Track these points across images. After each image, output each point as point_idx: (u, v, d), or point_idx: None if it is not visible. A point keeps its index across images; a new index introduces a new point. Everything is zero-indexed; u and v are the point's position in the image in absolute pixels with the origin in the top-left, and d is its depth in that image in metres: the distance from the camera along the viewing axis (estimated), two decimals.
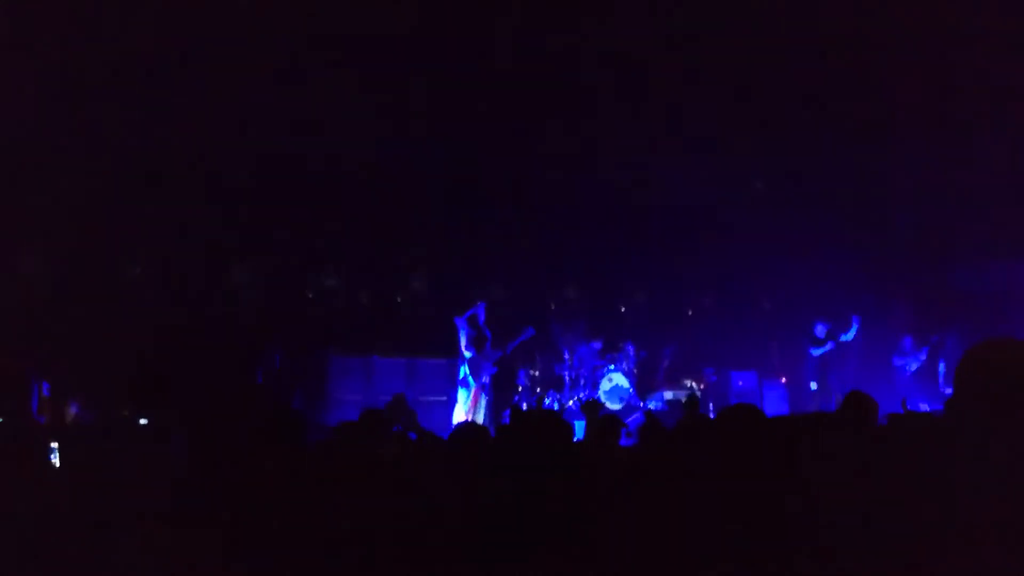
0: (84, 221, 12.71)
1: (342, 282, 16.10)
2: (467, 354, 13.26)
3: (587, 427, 8.58)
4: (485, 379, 13.27)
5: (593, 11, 11.93)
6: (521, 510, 3.02)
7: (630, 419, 12.90)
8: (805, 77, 13.39)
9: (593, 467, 4.03)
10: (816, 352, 15.03)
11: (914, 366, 15.04)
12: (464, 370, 13.26)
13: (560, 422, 4.02)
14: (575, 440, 7.63)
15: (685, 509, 2.49)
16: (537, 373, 15.30)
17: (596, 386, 15.03)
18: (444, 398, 13.82)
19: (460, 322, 13.31)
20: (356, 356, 14.25)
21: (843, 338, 15.02)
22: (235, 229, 14.23)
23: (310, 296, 15.99)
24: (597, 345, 15.34)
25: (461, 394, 13.23)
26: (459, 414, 12.96)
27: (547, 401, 14.88)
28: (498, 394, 13.78)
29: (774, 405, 15.27)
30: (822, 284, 15.62)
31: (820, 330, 15.10)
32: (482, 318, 13.45)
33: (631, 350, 15.55)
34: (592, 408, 9.50)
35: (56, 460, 4.21)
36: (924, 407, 13.93)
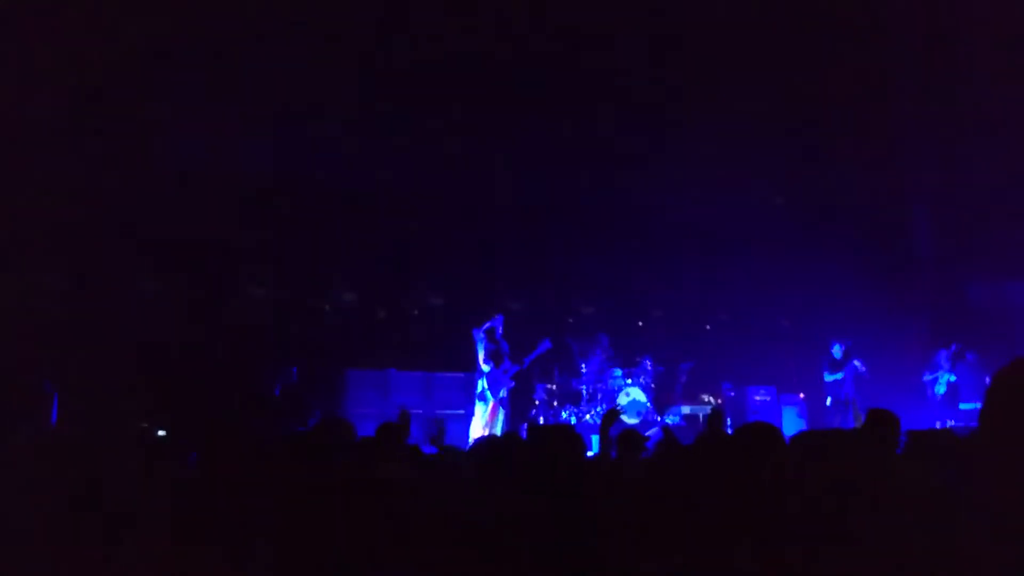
0: (97, 229, 12.79)
1: (359, 296, 16.14)
2: (485, 368, 13.23)
3: (600, 439, 8.53)
4: (503, 393, 13.23)
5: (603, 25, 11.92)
6: (532, 526, 3.01)
7: (648, 434, 12.85)
8: (823, 90, 13.33)
9: (606, 482, 4.01)
10: (829, 378, 14.91)
11: (944, 381, 14.88)
12: (482, 384, 13.22)
13: (574, 436, 4.01)
14: (589, 454, 7.66)
15: (698, 526, 2.47)
16: (555, 387, 15.28)
17: (614, 401, 14.99)
18: (461, 412, 13.80)
19: (478, 334, 13.27)
20: (373, 370, 14.25)
21: (856, 365, 14.87)
22: (251, 242, 14.28)
23: (327, 309, 16.04)
24: (600, 358, 15.32)
25: (479, 408, 13.20)
26: (476, 428, 12.92)
27: (564, 415, 14.87)
28: (515, 408, 13.75)
29: (792, 421, 15.21)
30: (840, 300, 15.58)
31: (838, 350, 14.98)
32: (499, 331, 13.41)
33: (648, 364, 15.52)
34: (610, 417, 9.46)
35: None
36: (950, 423, 13.86)
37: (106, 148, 12.32)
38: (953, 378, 14.84)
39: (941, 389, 14.81)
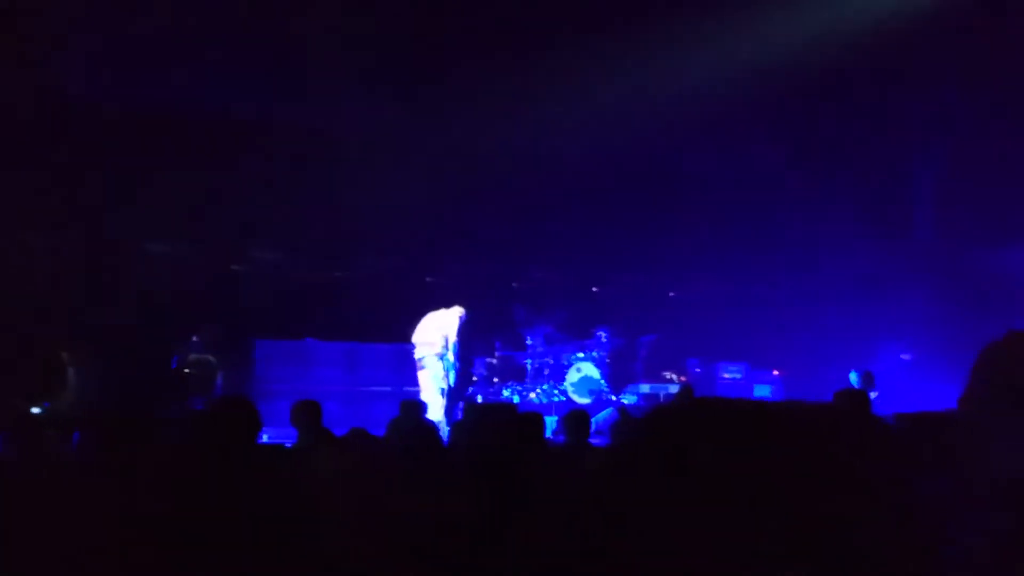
0: None
1: (275, 256, 15.95)
2: (451, 359, 13.40)
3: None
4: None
5: None
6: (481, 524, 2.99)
7: (599, 417, 12.94)
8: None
9: (557, 474, 4.00)
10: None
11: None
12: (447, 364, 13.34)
13: (525, 418, 3.99)
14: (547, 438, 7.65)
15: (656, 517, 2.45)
16: (496, 361, 15.26)
17: (563, 376, 15.03)
18: (388, 389, 13.76)
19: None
20: (287, 340, 14.12)
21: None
22: (147, 194, 14.00)
23: (237, 271, 15.81)
24: (549, 329, 15.34)
25: (434, 382, 13.23)
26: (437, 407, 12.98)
27: (506, 394, 14.87)
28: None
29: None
30: (824, 266, 15.63)
31: (855, 378, 14.89)
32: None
33: (604, 336, 15.52)
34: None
35: None
36: None
37: None
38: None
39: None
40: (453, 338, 13.30)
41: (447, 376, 13.21)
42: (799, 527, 1.32)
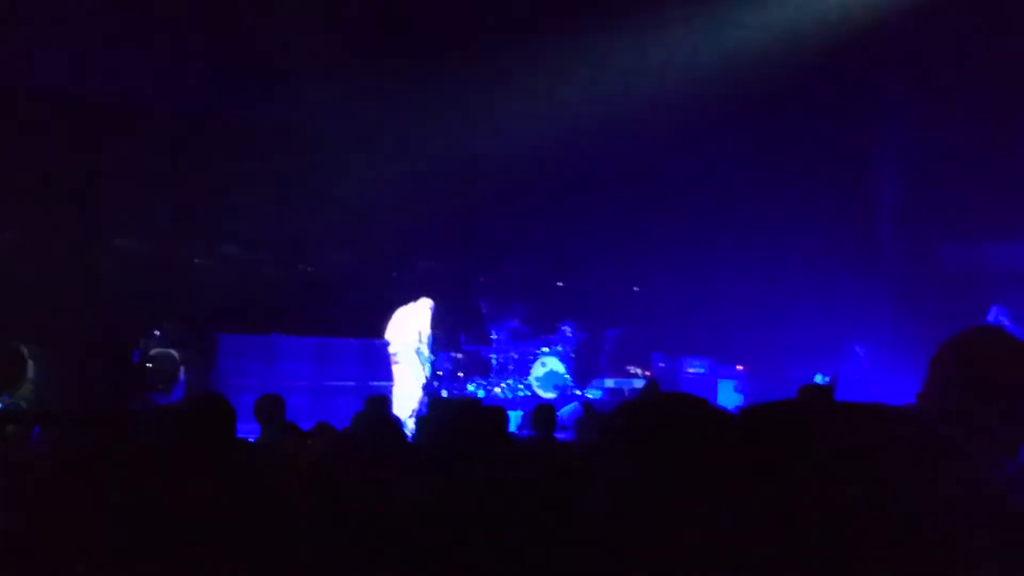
0: None
1: (240, 251, 15.85)
2: (427, 352, 13.46)
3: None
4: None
5: None
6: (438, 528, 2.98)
7: (564, 412, 12.96)
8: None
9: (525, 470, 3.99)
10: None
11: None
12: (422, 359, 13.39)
13: (489, 412, 3.98)
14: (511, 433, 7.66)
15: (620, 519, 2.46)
16: (461, 356, 15.25)
17: (527, 371, 15.04)
18: (353, 384, 13.72)
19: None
20: (253, 335, 14.04)
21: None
22: (111, 185, 13.89)
23: (202, 265, 15.71)
24: (514, 323, 15.37)
25: (412, 376, 13.28)
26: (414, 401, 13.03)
27: (471, 388, 14.87)
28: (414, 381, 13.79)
29: (728, 396, 15.35)
30: (789, 262, 15.65)
31: (820, 379, 14.95)
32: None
33: (569, 330, 15.54)
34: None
35: None
36: None
37: None
38: None
39: None
40: (427, 332, 13.35)
41: (424, 369, 13.30)
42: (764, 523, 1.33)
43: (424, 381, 13.37)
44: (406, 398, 13.20)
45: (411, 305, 13.57)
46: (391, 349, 13.41)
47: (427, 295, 13.76)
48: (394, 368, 13.36)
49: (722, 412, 1.84)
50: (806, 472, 1.34)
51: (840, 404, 1.45)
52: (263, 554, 3.11)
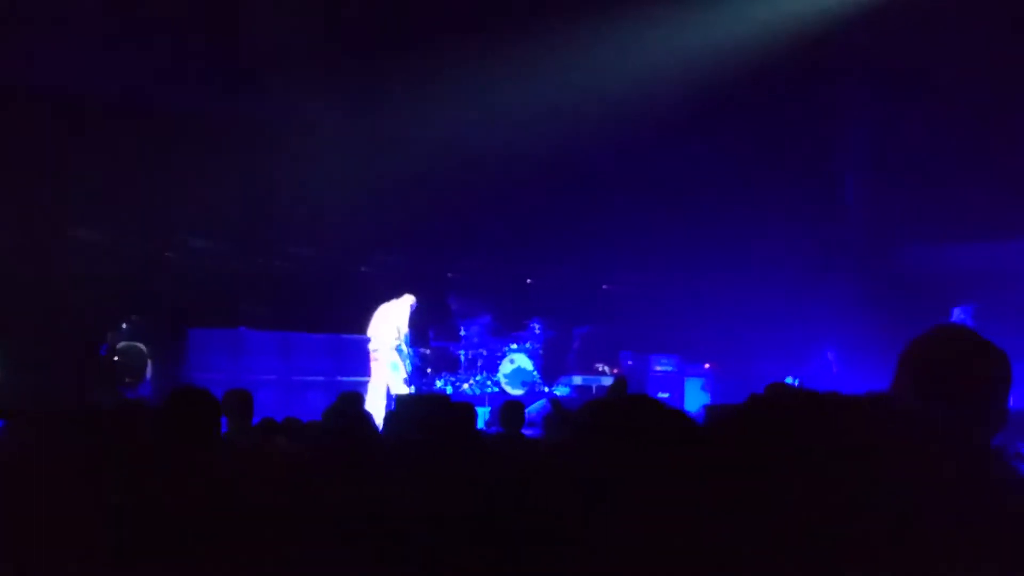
0: None
1: (209, 245, 15.76)
2: (407, 349, 13.50)
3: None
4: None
5: None
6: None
7: (532, 408, 12.99)
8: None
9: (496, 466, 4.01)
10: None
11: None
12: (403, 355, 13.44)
13: (457, 408, 4.02)
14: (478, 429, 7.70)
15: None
16: (429, 352, 15.24)
17: (496, 368, 15.05)
18: (322, 379, 13.70)
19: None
20: (220, 328, 13.98)
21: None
22: (78, 181, 13.79)
23: (170, 258, 15.60)
24: (482, 320, 15.38)
25: (392, 373, 13.31)
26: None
27: (439, 384, 14.87)
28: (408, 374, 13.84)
29: (695, 394, 15.41)
30: (755, 261, 15.71)
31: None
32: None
33: (537, 328, 15.57)
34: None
35: None
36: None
37: None
38: None
39: None
40: (405, 328, 13.37)
41: (405, 365, 13.35)
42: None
43: (405, 377, 13.40)
44: (383, 394, 13.21)
45: (394, 302, 13.58)
46: (371, 346, 13.41)
47: (396, 291, 13.74)
48: (373, 364, 13.37)
49: (686, 416, 1.87)
50: (776, 468, 1.35)
51: (811, 395, 1.46)
52: (239, 553, 3.11)
